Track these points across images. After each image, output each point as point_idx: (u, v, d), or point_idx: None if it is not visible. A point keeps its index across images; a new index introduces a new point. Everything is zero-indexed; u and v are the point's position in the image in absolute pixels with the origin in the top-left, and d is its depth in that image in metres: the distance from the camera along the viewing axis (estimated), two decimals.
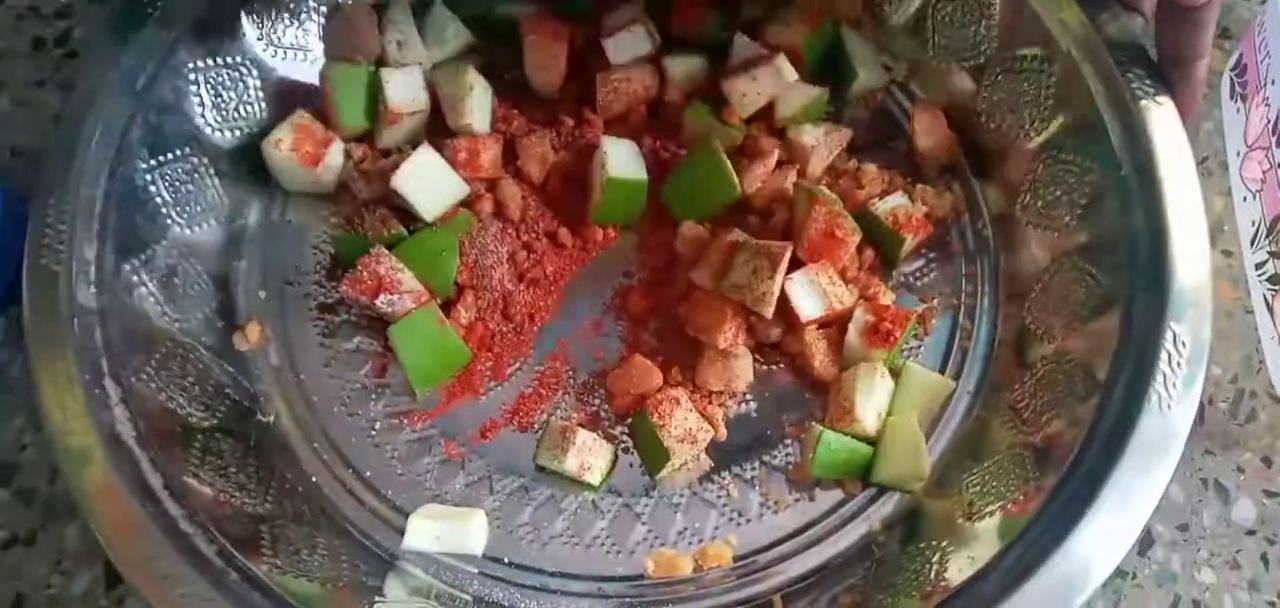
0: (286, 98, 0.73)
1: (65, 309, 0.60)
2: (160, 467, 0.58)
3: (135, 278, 0.64)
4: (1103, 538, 0.54)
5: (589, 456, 0.64)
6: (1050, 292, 0.66)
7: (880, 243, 0.70)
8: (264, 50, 0.72)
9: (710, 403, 0.67)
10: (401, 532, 0.63)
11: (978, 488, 0.62)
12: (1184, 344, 0.57)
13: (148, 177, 0.66)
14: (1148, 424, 0.55)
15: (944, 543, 0.60)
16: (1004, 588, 0.54)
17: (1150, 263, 0.59)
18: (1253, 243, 0.68)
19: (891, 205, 0.70)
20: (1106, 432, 0.56)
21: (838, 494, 0.65)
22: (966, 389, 0.68)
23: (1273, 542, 0.65)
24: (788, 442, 0.67)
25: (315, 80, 0.74)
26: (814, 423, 0.66)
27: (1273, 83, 0.65)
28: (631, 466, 0.66)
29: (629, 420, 0.67)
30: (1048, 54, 0.67)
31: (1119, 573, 0.64)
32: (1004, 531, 0.57)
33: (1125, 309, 0.60)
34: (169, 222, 0.67)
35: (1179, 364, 0.56)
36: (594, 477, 0.65)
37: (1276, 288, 0.65)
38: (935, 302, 0.71)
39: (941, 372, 0.68)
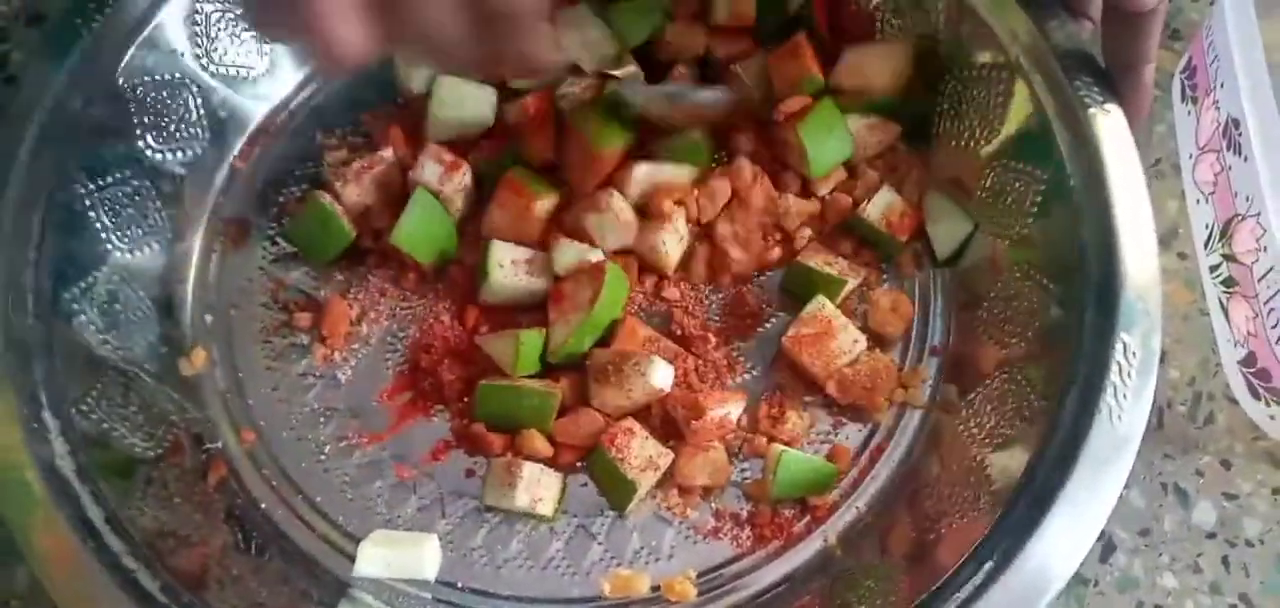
0: (229, 119, 0.72)
1: (1, 340, 0.58)
2: (101, 501, 0.57)
3: (75, 305, 0.63)
4: (1055, 552, 0.53)
5: (538, 488, 0.63)
6: (1003, 301, 0.66)
7: (877, 245, 0.70)
8: (204, 71, 0.71)
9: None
10: (353, 558, 0.62)
11: (932, 502, 0.61)
12: (1134, 354, 0.56)
13: (87, 201, 0.65)
14: (1099, 436, 0.55)
15: (899, 558, 0.59)
16: (960, 604, 0.53)
17: (1099, 272, 0.59)
18: (1207, 245, 0.68)
19: (882, 209, 0.69)
20: (1058, 444, 0.56)
21: (795, 508, 0.64)
22: (919, 402, 0.67)
23: (1233, 544, 0.65)
24: (743, 457, 0.66)
25: (257, 101, 0.74)
26: (774, 444, 0.65)
27: (1222, 85, 0.65)
28: (584, 485, 0.65)
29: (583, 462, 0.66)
30: (997, 63, 0.66)
31: (1081, 581, 0.64)
32: (958, 546, 0.56)
33: (1076, 319, 0.59)
34: (109, 246, 0.66)
35: (1129, 375, 0.56)
36: (546, 508, 0.64)
37: (1230, 290, 0.65)
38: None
39: None
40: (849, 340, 0.66)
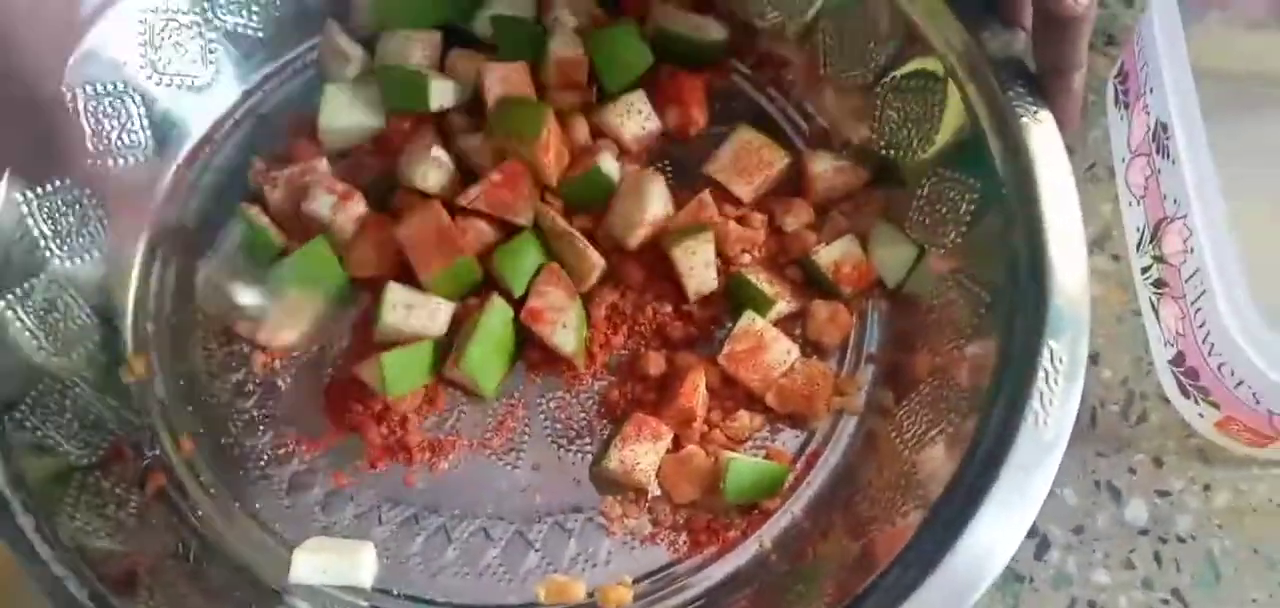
0: (172, 128, 0.72)
1: None
2: (31, 508, 0.57)
3: (10, 314, 0.63)
4: (984, 551, 0.54)
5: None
6: (937, 308, 0.66)
7: (821, 287, 0.69)
8: (148, 79, 0.71)
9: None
10: (289, 566, 0.62)
11: (867, 505, 0.62)
12: (1062, 361, 0.57)
13: (24, 209, 0.64)
14: (1026, 439, 0.55)
15: (830, 562, 0.60)
16: (892, 600, 0.54)
17: (1029, 280, 0.59)
18: (1138, 247, 0.69)
19: (836, 256, 0.68)
20: (987, 447, 0.56)
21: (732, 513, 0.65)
22: (856, 408, 0.67)
23: (1165, 540, 0.66)
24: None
25: (200, 111, 0.74)
26: (721, 451, 0.65)
27: (1152, 91, 0.66)
28: (524, 490, 0.65)
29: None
30: (933, 72, 0.67)
31: (1016, 578, 0.64)
32: (891, 546, 0.57)
33: (1005, 326, 0.60)
34: (48, 255, 0.66)
35: (1057, 381, 0.56)
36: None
37: (1161, 291, 0.66)
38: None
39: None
40: (782, 351, 0.66)
